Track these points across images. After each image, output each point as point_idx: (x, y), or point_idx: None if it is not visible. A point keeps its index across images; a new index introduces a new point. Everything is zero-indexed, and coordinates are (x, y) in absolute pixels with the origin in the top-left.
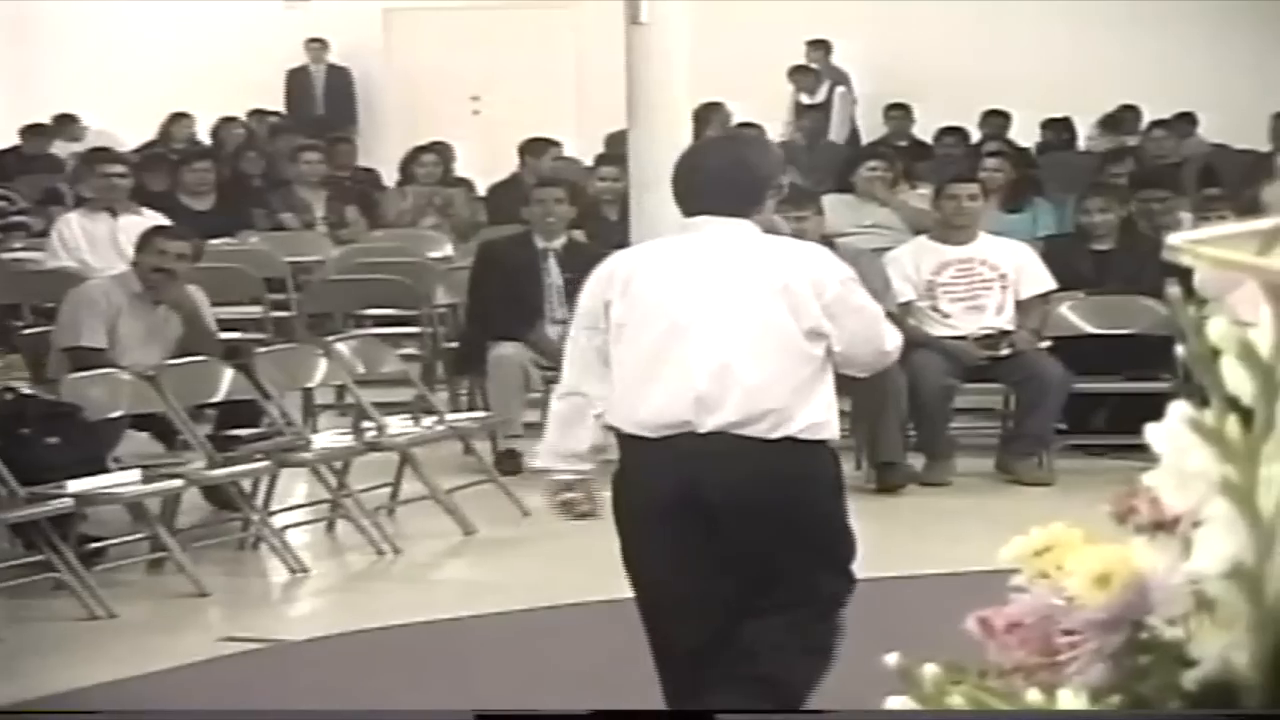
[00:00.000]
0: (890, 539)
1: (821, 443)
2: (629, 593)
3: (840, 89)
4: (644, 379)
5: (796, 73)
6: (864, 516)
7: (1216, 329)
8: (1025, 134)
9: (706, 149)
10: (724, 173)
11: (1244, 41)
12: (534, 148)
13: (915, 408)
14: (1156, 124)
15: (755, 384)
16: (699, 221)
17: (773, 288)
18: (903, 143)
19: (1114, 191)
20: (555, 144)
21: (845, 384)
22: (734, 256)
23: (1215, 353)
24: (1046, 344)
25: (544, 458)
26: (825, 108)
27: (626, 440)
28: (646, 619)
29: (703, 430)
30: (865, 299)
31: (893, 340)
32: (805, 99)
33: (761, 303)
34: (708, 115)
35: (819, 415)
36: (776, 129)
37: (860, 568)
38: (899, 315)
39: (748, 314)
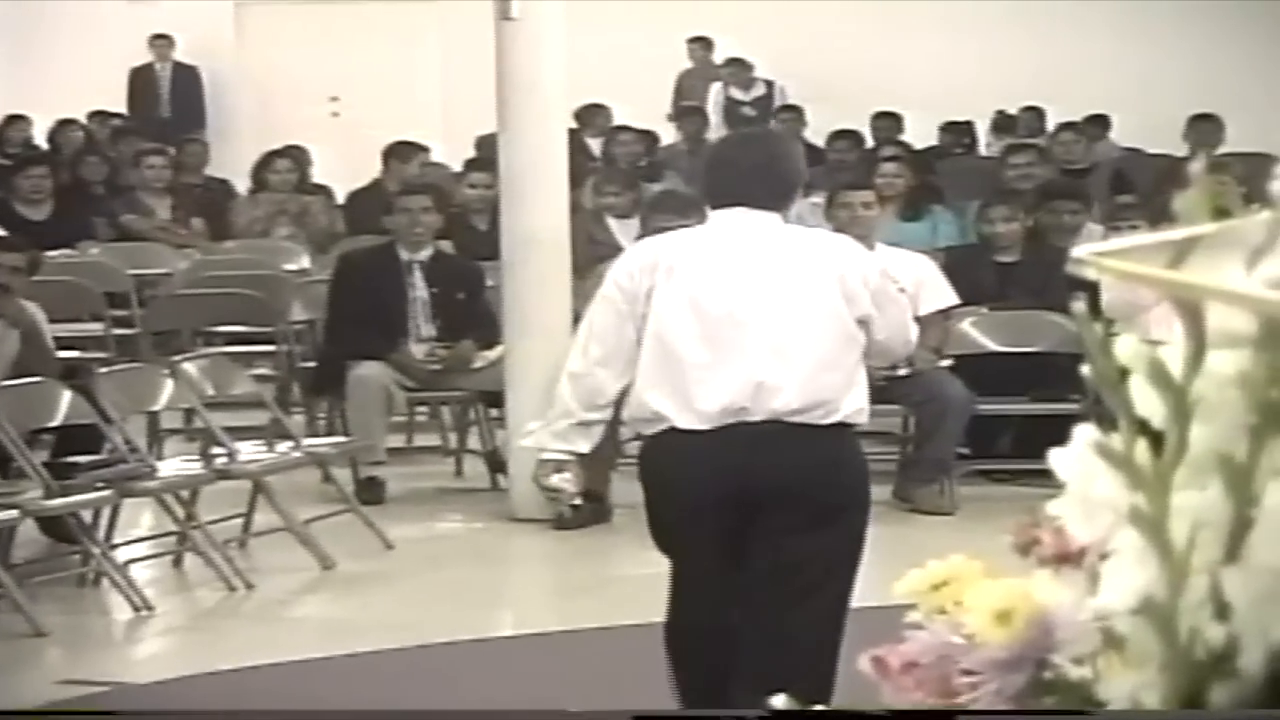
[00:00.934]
0: None
1: (856, 428)
2: (499, 630)
3: (780, 84)
4: (702, 367)
5: (730, 65)
6: None
7: (1124, 347)
8: (922, 137)
9: (745, 142)
10: (763, 167)
11: (1159, 39)
12: (399, 152)
13: None
14: (1064, 126)
15: (813, 371)
16: (734, 214)
17: (828, 277)
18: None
19: (1018, 199)
20: (422, 149)
21: None
22: (784, 247)
23: (1123, 372)
24: (947, 363)
25: (539, 438)
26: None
27: (670, 433)
28: (686, 609)
29: (757, 418)
30: (897, 291)
31: (914, 333)
32: (737, 94)
33: (818, 292)
34: (589, 118)
35: (861, 401)
36: (668, 132)
37: None
38: None
39: (806, 303)
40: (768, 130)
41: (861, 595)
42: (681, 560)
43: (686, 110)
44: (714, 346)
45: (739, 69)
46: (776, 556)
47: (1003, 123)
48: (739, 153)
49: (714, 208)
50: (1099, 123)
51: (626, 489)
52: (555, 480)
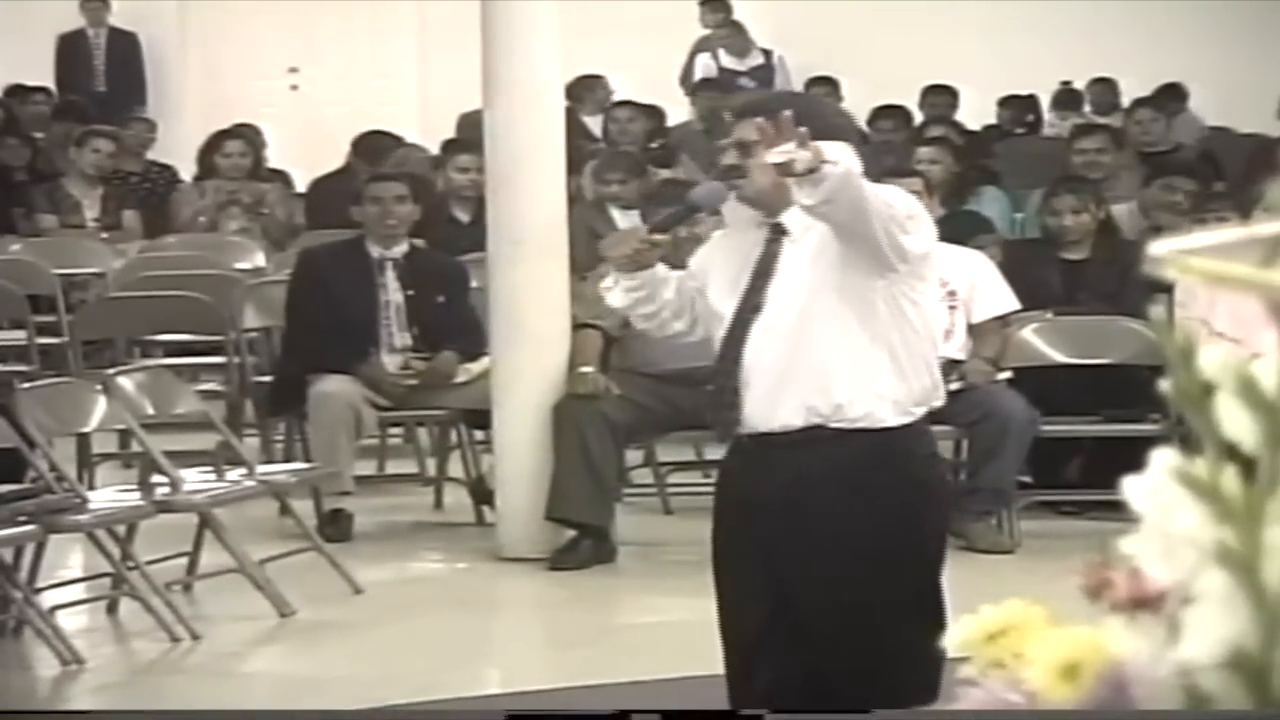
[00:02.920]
0: None
1: None
2: (483, 688)
3: (779, 53)
4: None
5: (725, 27)
6: None
7: (1211, 359)
8: (979, 115)
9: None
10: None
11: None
12: (370, 146)
13: None
14: (1140, 102)
15: None
16: None
17: None
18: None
19: (1088, 187)
20: (397, 140)
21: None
22: None
23: (1209, 389)
24: (1005, 375)
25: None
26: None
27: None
28: None
29: None
30: None
31: None
32: (731, 63)
33: None
34: (583, 91)
35: None
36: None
37: None
38: None
39: None
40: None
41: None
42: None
43: (702, 84)
44: None
45: (733, 32)
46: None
47: (1066, 98)
48: None
49: None
50: (1174, 94)
51: (632, 523)
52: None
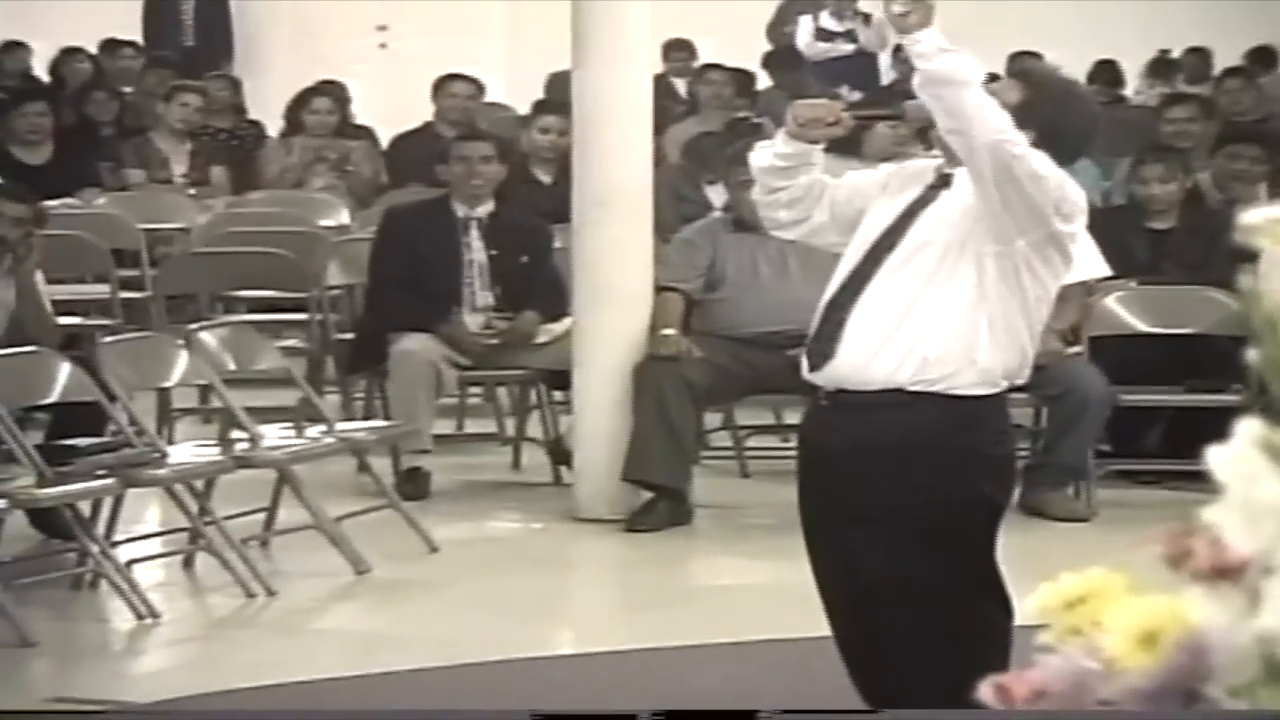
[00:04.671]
0: None
1: None
2: (558, 648)
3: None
4: None
5: None
6: None
7: None
8: None
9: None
10: None
11: None
12: (449, 87)
13: None
14: (1231, 72)
15: None
16: None
17: None
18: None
19: (1177, 157)
20: (473, 82)
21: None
22: None
23: None
24: (1077, 350)
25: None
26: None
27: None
28: None
29: None
30: None
31: None
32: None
33: None
34: (671, 54)
35: None
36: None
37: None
38: None
39: None
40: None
41: None
42: None
43: (779, 53)
44: None
45: None
46: None
47: (1161, 66)
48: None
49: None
50: (1263, 57)
51: (710, 486)
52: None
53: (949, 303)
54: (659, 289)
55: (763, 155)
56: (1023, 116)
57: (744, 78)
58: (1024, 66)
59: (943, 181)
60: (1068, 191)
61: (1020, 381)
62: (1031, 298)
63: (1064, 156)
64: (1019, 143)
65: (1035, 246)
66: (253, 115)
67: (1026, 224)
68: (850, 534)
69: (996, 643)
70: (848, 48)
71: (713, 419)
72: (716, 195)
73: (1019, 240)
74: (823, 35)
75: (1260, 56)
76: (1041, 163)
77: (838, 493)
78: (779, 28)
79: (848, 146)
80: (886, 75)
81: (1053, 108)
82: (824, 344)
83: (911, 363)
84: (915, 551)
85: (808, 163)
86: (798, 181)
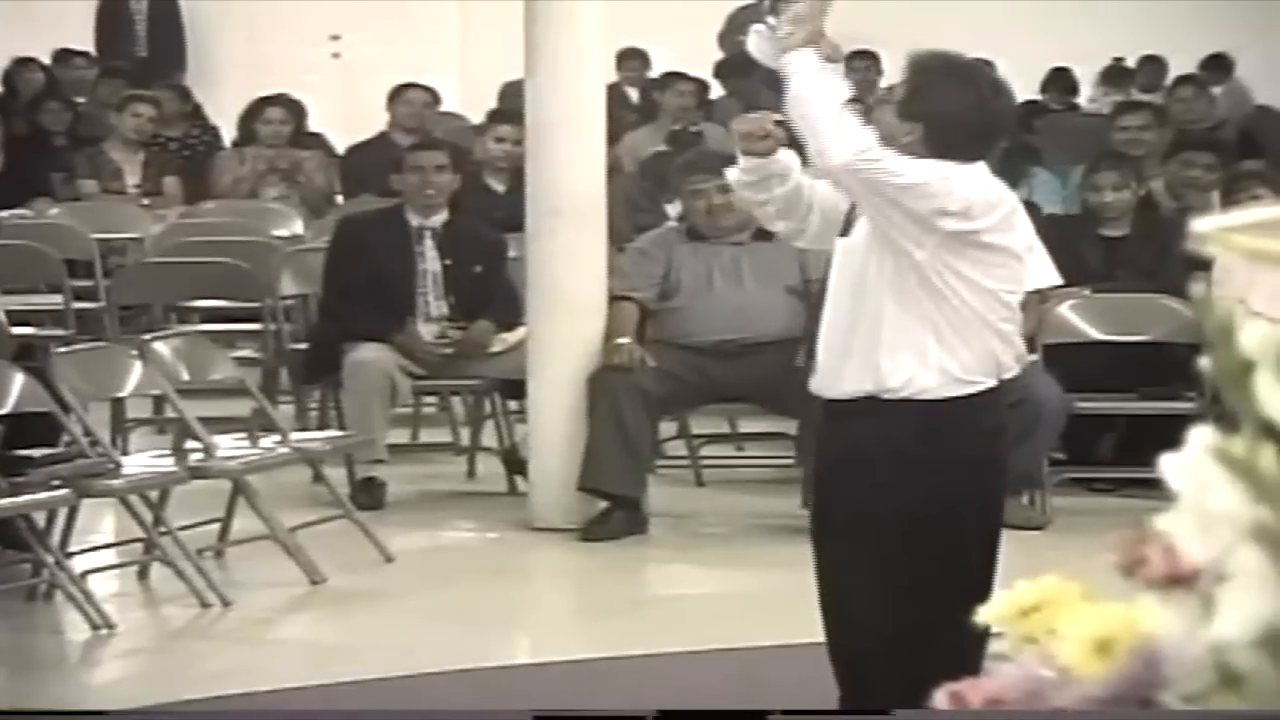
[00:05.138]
0: None
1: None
2: (514, 657)
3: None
4: None
5: None
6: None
7: (1251, 337)
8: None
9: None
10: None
11: None
12: (404, 95)
13: None
14: (1183, 80)
15: None
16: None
17: None
18: (869, 99)
19: (1130, 164)
20: (427, 91)
21: (791, 398)
22: None
23: (1248, 367)
24: (1032, 358)
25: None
26: None
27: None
28: None
29: None
30: None
31: None
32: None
33: None
34: (627, 63)
35: None
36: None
37: (814, 628)
38: None
39: None
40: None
41: None
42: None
43: (732, 61)
44: None
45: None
46: None
47: (1116, 74)
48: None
49: (974, 159)
50: (1218, 65)
51: (665, 495)
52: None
53: (888, 310)
54: (614, 298)
55: (732, 172)
56: (906, 110)
57: (701, 87)
58: (911, 56)
59: None
60: (953, 190)
61: (1005, 375)
62: (969, 297)
63: (959, 148)
64: (877, 159)
65: (939, 252)
66: (213, 125)
67: (914, 234)
68: (835, 543)
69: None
70: None
71: (668, 428)
72: (674, 209)
73: (916, 252)
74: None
75: (1215, 64)
76: (913, 170)
77: (825, 501)
78: (731, 35)
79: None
80: None
81: (933, 95)
82: (813, 356)
83: (869, 372)
84: (894, 560)
85: (772, 175)
86: (774, 194)
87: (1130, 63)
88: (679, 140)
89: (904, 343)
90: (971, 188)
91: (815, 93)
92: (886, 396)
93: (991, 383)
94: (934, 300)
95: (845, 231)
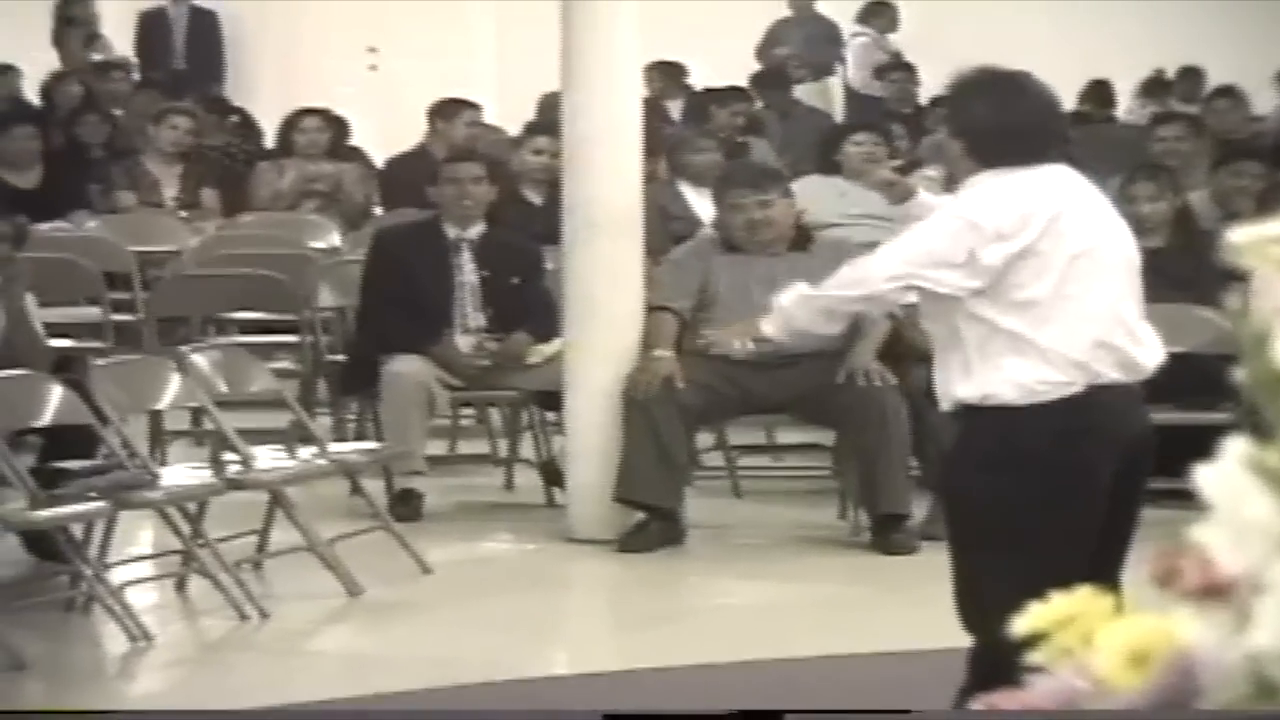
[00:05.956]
0: (885, 606)
1: None
2: (551, 669)
3: (862, 38)
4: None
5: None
6: (853, 578)
7: None
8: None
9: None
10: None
11: None
12: (444, 111)
13: (918, 437)
14: (1220, 92)
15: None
16: (1054, 172)
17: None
18: (906, 110)
19: (1167, 175)
20: (471, 106)
21: (829, 409)
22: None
23: None
24: None
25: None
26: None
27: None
28: None
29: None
30: None
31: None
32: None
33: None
34: (662, 78)
35: None
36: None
37: (851, 640)
38: (904, 320)
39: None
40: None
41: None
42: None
43: (768, 74)
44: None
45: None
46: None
47: (1154, 86)
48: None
49: (1032, 162)
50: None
51: (702, 507)
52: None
53: (959, 330)
54: (651, 309)
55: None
56: (949, 127)
57: (748, 101)
58: (951, 75)
59: None
60: (981, 224)
61: (1104, 380)
62: (1040, 308)
63: (1002, 155)
64: (891, 279)
65: (968, 308)
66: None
67: (948, 307)
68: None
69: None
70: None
71: (705, 439)
72: (704, 209)
73: (954, 318)
74: (878, 74)
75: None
76: (926, 254)
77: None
78: (769, 48)
79: (829, 166)
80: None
81: (968, 108)
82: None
83: (949, 385)
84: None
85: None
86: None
87: (1170, 74)
88: (729, 150)
89: (942, 367)
90: (1001, 209)
91: (824, 301)
92: (972, 404)
93: (1076, 388)
94: (972, 332)
95: None
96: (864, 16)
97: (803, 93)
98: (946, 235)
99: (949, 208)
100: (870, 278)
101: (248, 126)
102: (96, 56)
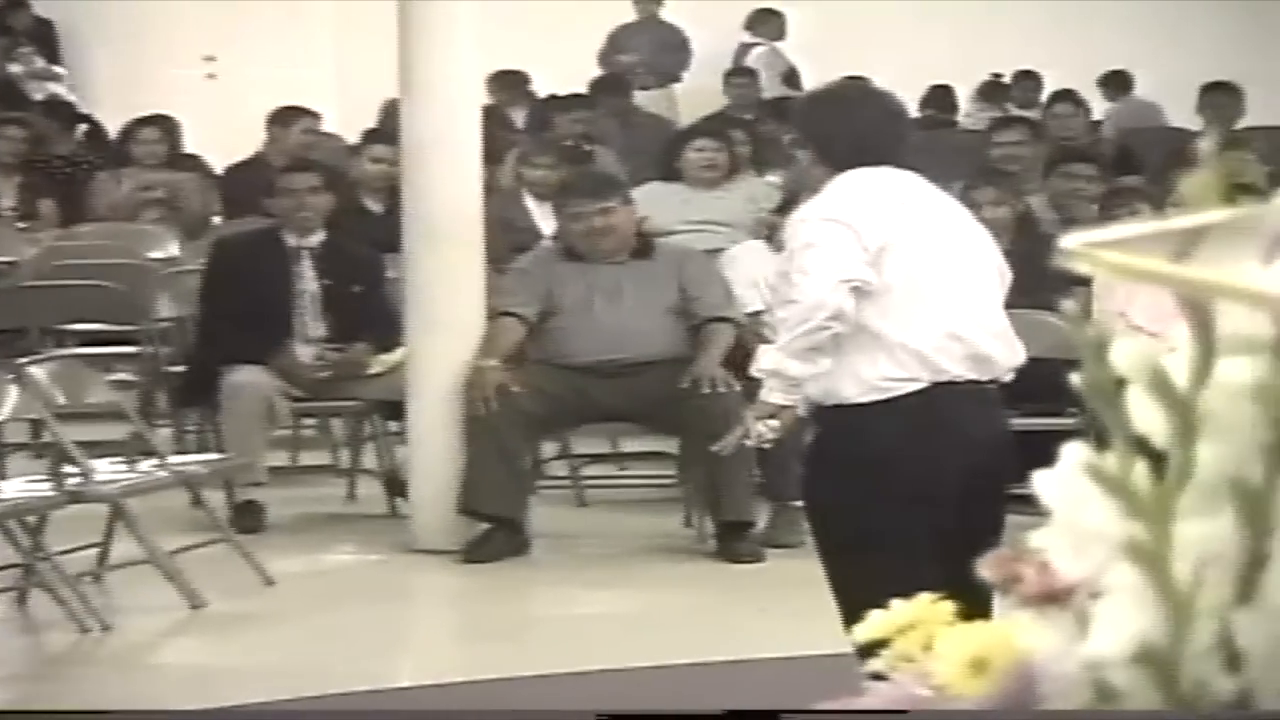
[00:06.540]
0: (729, 614)
1: None
2: (396, 680)
3: (760, 47)
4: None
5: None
6: (698, 587)
7: (1122, 353)
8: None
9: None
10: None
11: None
12: (282, 119)
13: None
14: (1059, 96)
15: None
16: (901, 174)
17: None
18: (748, 115)
19: (1007, 180)
20: (310, 114)
21: (673, 417)
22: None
23: (1120, 383)
24: None
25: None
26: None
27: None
28: None
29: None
30: None
31: None
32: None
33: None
34: (505, 85)
35: None
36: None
37: (699, 648)
38: (747, 328)
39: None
40: None
41: (813, 641)
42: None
43: (609, 81)
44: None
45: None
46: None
47: (991, 90)
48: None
49: (875, 163)
50: (1119, 82)
51: (547, 516)
52: (774, 425)
53: None
54: (497, 314)
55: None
56: (798, 137)
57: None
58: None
59: None
60: (847, 242)
61: (948, 377)
62: (880, 305)
63: (846, 160)
64: (832, 287)
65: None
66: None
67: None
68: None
69: None
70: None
71: (549, 448)
72: (546, 220)
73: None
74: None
75: (1114, 81)
76: (836, 259)
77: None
78: (612, 54)
79: (670, 173)
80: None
81: (811, 120)
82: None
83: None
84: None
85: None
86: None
87: (1006, 78)
88: (572, 159)
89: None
90: (859, 206)
91: (797, 344)
92: (818, 403)
93: (920, 384)
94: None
95: None
96: (751, 25)
97: (647, 100)
98: (832, 238)
99: (811, 220)
100: (815, 300)
101: (95, 135)
102: None
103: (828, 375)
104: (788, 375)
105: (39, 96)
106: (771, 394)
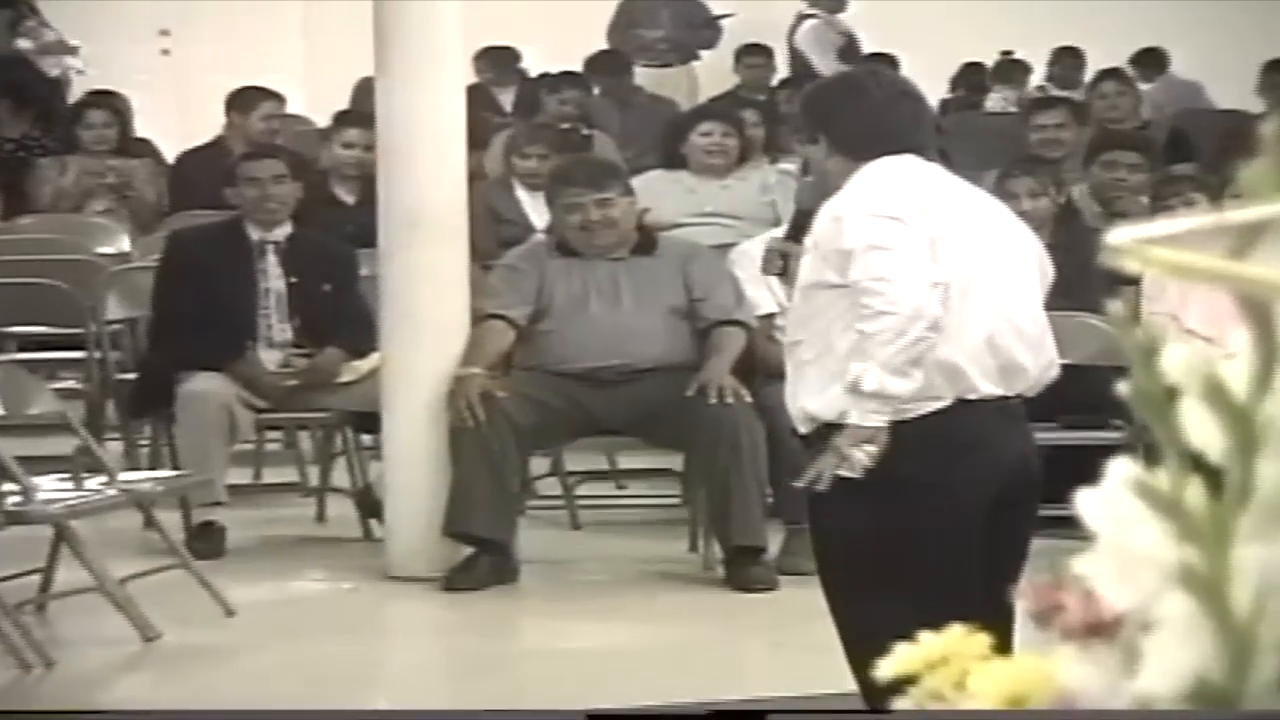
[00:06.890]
0: (739, 648)
1: None
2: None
3: (811, 20)
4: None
5: None
6: (704, 619)
7: (1175, 360)
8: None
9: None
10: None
11: None
12: (242, 101)
13: (774, 463)
14: (1105, 74)
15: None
16: (927, 164)
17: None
18: (760, 98)
19: (1047, 168)
20: (274, 96)
21: (676, 429)
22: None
23: (1171, 393)
24: None
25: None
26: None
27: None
28: None
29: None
30: None
31: None
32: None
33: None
34: (494, 63)
35: None
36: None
37: (704, 687)
38: (758, 333)
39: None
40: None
41: (832, 680)
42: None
43: (605, 58)
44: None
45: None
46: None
47: (1007, 70)
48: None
49: (898, 151)
50: (1152, 60)
51: (537, 539)
52: (868, 450)
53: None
54: (483, 316)
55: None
56: (810, 131)
57: (584, 88)
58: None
59: None
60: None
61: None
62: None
63: (865, 148)
64: (922, 290)
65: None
66: (18, 132)
67: (824, 310)
68: None
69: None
70: None
71: (540, 465)
72: (538, 213)
73: (828, 324)
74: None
75: (1147, 59)
76: (899, 255)
77: None
78: (624, 29)
79: (674, 160)
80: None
81: (821, 110)
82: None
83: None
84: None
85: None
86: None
87: (1020, 55)
88: (566, 144)
89: (841, 370)
90: (896, 196)
91: (899, 358)
92: (830, 422)
93: (944, 402)
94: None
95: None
96: None
97: (664, 78)
98: (896, 237)
99: (858, 217)
100: (912, 309)
101: (48, 117)
102: None
103: (841, 392)
104: (889, 394)
105: (55, 73)
106: (868, 415)
